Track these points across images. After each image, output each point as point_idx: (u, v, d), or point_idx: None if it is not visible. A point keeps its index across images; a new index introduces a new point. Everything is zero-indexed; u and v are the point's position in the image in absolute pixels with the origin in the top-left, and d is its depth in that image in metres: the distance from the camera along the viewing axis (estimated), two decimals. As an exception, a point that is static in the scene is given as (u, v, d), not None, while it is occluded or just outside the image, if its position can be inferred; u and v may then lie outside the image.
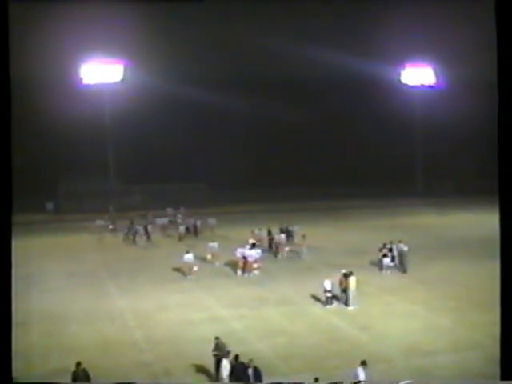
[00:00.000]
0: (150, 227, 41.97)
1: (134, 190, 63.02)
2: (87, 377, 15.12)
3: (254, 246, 31.67)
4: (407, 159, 73.08)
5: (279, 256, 34.51)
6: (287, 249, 35.09)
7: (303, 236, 34.74)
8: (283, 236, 35.92)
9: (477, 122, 58.20)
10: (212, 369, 17.01)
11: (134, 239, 41.02)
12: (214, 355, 16.84)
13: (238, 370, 15.50)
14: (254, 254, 30.31)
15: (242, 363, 15.62)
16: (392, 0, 59.75)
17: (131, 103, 61.27)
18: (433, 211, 55.76)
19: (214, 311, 23.64)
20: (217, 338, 17.18)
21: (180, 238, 40.99)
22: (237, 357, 15.83)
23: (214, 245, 33.31)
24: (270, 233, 37.89)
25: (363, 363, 15.27)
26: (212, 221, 44.51)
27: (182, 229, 42.02)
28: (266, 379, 15.98)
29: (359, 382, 14.79)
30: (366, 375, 15.00)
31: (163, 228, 44.71)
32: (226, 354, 16.00)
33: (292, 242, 39.07)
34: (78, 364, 15.12)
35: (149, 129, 64.11)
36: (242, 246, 31.22)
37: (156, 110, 63.44)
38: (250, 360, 15.60)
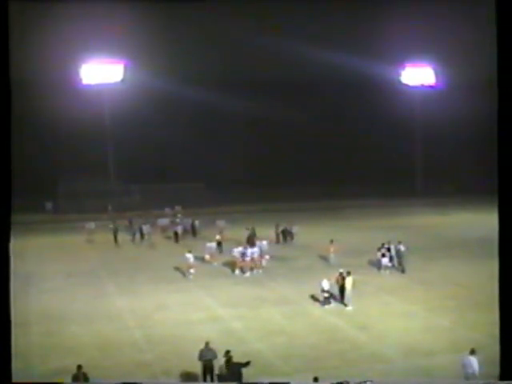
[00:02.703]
0: (147, 227, 41.69)
1: (133, 190, 62.99)
2: (87, 380, 15.08)
3: (219, 244, 33.35)
4: (407, 159, 73.11)
5: (253, 272, 30.23)
6: (267, 257, 31.81)
7: (331, 241, 32.39)
8: (265, 243, 32.62)
9: (477, 121, 58.20)
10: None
11: (133, 239, 40.98)
12: (206, 361, 16.41)
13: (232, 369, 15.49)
14: (252, 252, 30.29)
15: (237, 364, 15.57)
16: (392, 0, 59.77)
17: (131, 103, 61.28)
18: (433, 211, 55.81)
19: (214, 311, 23.64)
20: (207, 343, 16.76)
21: (176, 239, 40.75)
22: (230, 358, 15.77)
23: (213, 245, 33.31)
24: (254, 233, 36.94)
25: (472, 352, 15.05)
26: (221, 222, 42.88)
27: (179, 229, 41.72)
28: (266, 379, 15.99)
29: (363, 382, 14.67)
30: (478, 363, 14.81)
31: (163, 228, 44.50)
32: (226, 354, 15.93)
33: (290, 242, 39.25)
34: (79, 367, 15.09)
35: (149, 129, 64.11)
36: (241, 246, 31.31)
37: (156, 110, 63.42)
38: (228, 351, 15.60)
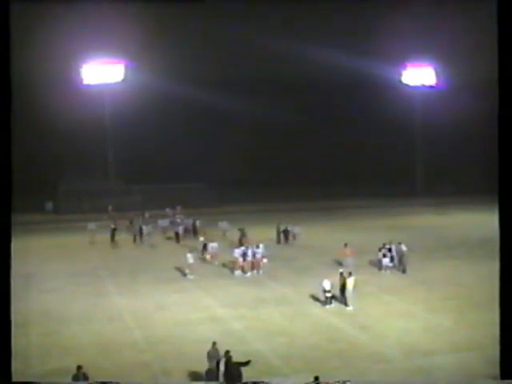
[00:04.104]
0: (148, 227, 41.53)
1: (134, 190, 62.98)
2: (87, 380, 15.03)
3: (204, 245, 33.01)
4: (407, 159, 73.11)
5: (254, 273, 29.87)
6: (265, 260, 30.55)
7: (345, 244, 30.91)
8: (262, 246, 30.81)
9: (477, 121, 58.26)
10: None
11: (134, 239, 40.91)
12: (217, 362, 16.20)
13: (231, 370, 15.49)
14: (255, 253, 30.29)
15: (236, 363, 15.57)
16: (393, 0, 59.79)
17: (132, 103, 61.30)
18: (433, 211, 55.78)
19: (214, 311, 23.62)
20: (214, 344, 16.61)
21: (177, 239, 40.72)
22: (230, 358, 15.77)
23: (214, 245, 33.28)
24: (243, 234, 37.13)
25: None
26: (223, 224, 42.02)
27: (180, 229, 41.66)
28: (266, 379, 15.97)
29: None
30: None
31: (164, 229, 44.29)
32: (226, 354, 15.90)
33: (292, 243, 39.22)
34: (79, 367, 15.06)
35: (149, 129, 64.12)
36: (242, 246, 31.33)
37: (157, 110, 63.43)
38: (227, 351, 15.56)
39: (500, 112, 12.32)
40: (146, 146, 64.37)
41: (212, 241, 34.05)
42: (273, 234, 39.53)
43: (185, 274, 29.81)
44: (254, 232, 39.95)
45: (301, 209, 57.86)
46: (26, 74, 45.17)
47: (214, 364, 16.17)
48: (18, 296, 15.09)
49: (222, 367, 15.70)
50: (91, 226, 42.33)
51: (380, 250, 30.35)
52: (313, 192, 65.29)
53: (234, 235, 38.82)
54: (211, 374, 15.78)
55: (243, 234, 37.29)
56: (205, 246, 33.45)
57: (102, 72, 62.24)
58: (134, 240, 40.76)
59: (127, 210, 53.00)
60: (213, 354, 16.35)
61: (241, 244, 34.22)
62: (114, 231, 40.89)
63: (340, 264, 30.24)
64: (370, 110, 68.81)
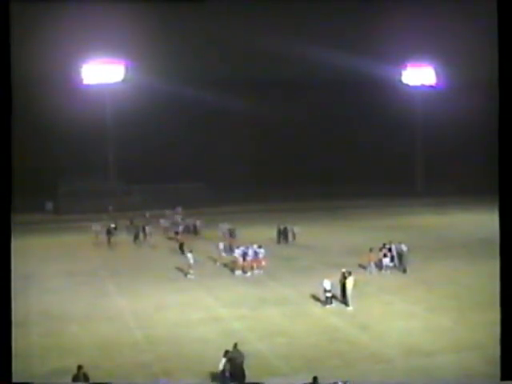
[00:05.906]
0: (149, 227, 41.49)
1: (134, 190, 62.96)
2: (88, 380, 15.03)
3: (181, 246, 33.12)
4: (407, 159, 73.09)
5: (254, 272, 29.96)
6: (263, 264, 30.31)
7: (370, 249, 30.08)
8: (255, 247, 30.62)
9: (477, 121, 58.30)
10: (212, 368, 16.84)
11: (135, 239, 40.86)
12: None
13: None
14: (253, 252, 30.27)
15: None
16: (393, 0, 59.79)
17: (132, 103, 61.30)
18: (433, 211, 55.78)
19: (214, 311, 23.62)
20: (235, 345, 16.41)
21: (178, 239, 40.60)
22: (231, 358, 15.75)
23: (219, 245, 33.37)
24: (231, 233, 37.41)
25: None
26: (224, 226, 40.43)
27: (180, 229, 41.63)
28: (266, 379, 15.98)
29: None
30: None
31: (164, 229, 44.25)
32: (226, 354, 15.87)
33: (292, 242, 39.21)
34: (79, 367, 15.04)
35: (149, 129, 64.13)
36: (242, 246, 31.31)
37: (157, 110, 63.45)
38: (227, 351, 15.56)
39: (500, 112, 12.31)
40: (146, 146, 64.36)
41: (219, 241, 34.07)
42: (273, 233, 39.53)
43: (185, 274, 29.81)
44: (253, 232, 40.00)
45: (301, 209, 57.84)
46: (26, 73, 45.12)
47: (236, 365, 16.01)
48: (18, 296, 15.07)
49: (221, 367, 15.70)
50: (96, 226, 41.92)
51: (380, 249, 30.32)
52: (313, 192, 65.27)
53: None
54: (223, 375, 15.69)
55: (231, 235, 37.40)
56: (181, 246, 33.36)
57: (102, 72, 62.27)
58: (135, 240, 40.73)
59: (127, 210, 53.01)
60: (235, 355, 16.29)
61: (229, 244, 34.71)
62: (109, 232, 40.58)
63: (364, 268, 29.85)
64: (370, 109, 68.81)
